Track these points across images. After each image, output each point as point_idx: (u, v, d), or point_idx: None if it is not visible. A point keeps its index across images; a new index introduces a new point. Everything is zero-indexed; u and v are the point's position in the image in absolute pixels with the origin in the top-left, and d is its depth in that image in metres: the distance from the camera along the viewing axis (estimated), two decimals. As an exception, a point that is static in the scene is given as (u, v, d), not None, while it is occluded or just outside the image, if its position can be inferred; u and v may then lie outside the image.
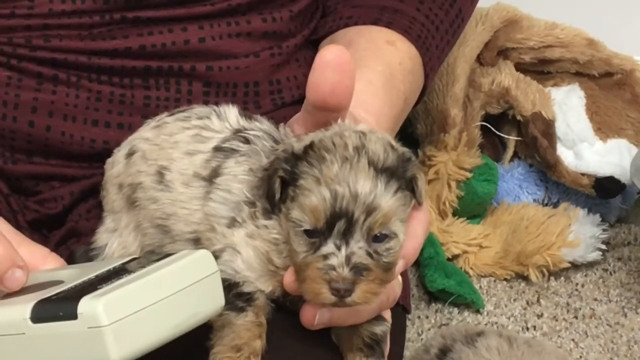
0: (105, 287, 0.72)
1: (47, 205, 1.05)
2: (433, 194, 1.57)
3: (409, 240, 0.83)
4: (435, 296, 1.51)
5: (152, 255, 0.81)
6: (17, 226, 1.01)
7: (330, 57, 0.79)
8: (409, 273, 1.55)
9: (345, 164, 0.79)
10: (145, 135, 0.93)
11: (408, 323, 1.45)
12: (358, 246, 0.79)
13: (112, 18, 1.01)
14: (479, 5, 1.22)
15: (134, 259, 0.80)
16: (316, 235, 0.79)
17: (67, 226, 1.04)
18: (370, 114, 0.94)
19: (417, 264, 1.55)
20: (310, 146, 0.81)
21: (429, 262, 1.52)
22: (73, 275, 0.79)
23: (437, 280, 1.49)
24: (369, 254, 0.79)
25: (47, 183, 1.05)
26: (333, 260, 0.78)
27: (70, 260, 0.96)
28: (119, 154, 0.95)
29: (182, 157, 0.89)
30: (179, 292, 0.73)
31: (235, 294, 0.83)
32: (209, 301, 0.76)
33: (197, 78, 1.04)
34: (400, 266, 0.83)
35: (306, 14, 1.11)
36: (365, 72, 0.99)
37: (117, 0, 1.01)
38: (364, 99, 0.94)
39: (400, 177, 0.81)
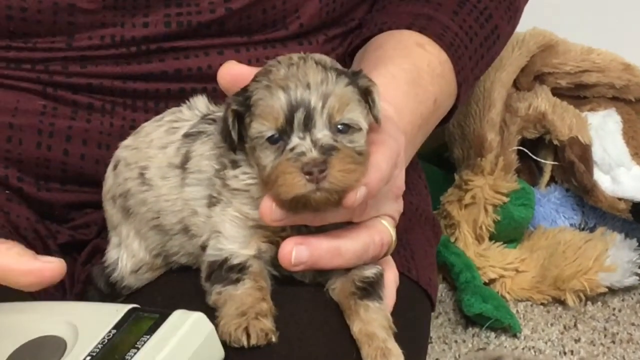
0: None
1: (80, 231, 1.05)
2: (470, 218, 1.58)
3: (372, 172, 0.82)
4: (472, 320, 1.51)
5: (144, 312, 0.81)
6: (48, 250, 1.02)
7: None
8: (445, 296, 1.56)
9: (292, 67, 0.81)
10: (126, 144, 0.94)
11: (445, 347, 1.46)
12: (322, 134, 0.79)
13: (149, 48, 1.02)
14: (515, 30, 1.22)
15: (133, 310, 0.80)
16: (280, 139, 0.80)
17: (92, 244, 1.04)
18: (390, 104, 0.93)
19: (454, 288, 1.56)
20: (256, 74, 0.83)
21: (466, 287, 1.52)
22: (72, 333, 0.79)
23: (474, 305, 1.49)
24: (335, 140, 0.79)
25: (79, 211, 1.05)
26: (300, 148, 0.79)
27: (89, 280, 0.97)
28: (108, 168, 0.96)
29: (157, 153, 0.90)
30: None
31: (227, 269, 0.84)
32: (211, 358, 0.78)
33: None
34: (362, 193, 0.81)
35: (342, 35, 1.12)
36: (390, 68, 0.99)
37: (155, 35, 1.02)
38: (385, 92, 0.92)
39: (351, 79, 0.82)
